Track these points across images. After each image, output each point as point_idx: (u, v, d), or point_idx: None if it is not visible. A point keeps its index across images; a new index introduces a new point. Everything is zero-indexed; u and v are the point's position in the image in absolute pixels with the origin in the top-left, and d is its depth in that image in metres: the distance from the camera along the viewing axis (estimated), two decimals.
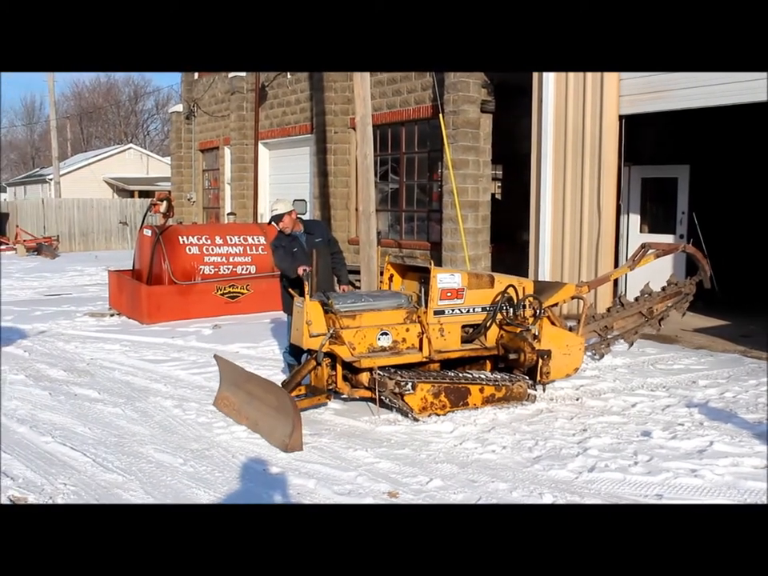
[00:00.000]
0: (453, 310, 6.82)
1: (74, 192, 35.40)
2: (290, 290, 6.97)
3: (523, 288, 7.10)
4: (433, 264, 6.91)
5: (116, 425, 6.51)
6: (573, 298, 7.83)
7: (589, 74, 10.53)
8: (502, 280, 7.08)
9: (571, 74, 10.77)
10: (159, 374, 8.32)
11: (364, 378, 6.53)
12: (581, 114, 10.75)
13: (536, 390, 7.05)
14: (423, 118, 14.65)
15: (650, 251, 7.97)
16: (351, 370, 6.57)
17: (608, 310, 8.29)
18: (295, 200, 8.42)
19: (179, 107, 24.69)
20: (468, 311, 6.91)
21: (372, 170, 11.57)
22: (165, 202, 12.74)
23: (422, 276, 7.01)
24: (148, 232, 12.70)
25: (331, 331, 6.39)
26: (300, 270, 6.88)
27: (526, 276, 10.72)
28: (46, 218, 30.75)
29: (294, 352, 7.41)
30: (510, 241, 14.14)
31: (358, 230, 14.07)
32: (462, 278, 6.88)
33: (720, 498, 4.70)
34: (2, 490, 4.91)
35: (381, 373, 6.39)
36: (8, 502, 4.73)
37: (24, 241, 27.62)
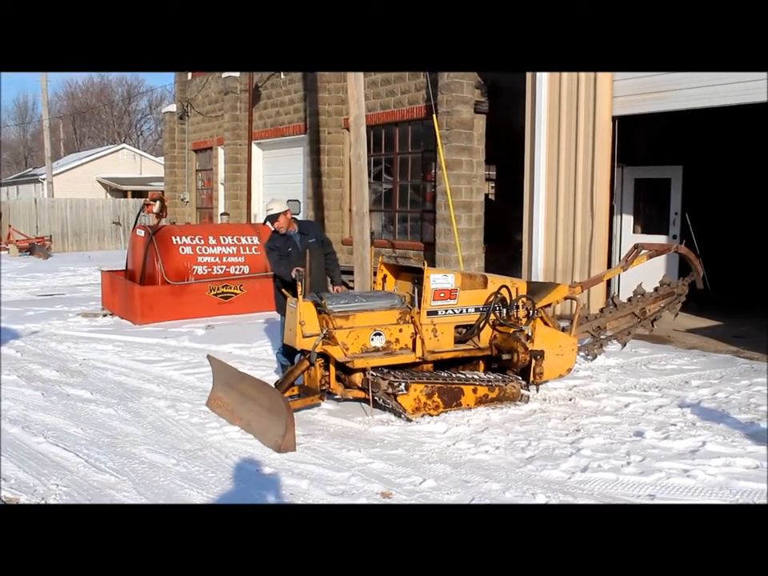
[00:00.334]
0: (446, 311, 6.83)
1: (66, 192, 35.30)
2: (283, 290, 6.97)
3: (516, 288, 7.11)
4: (426, 264, 6.92)
5: (109, 425, 6.49)
6: (566, 298, 7.85)
7: (582, 75, 10.55)
8: (495, 281, 7.09)
9: (564, 75, 10.78)
10: (152, 374, 8.31)
11: (357, 378, 6.53)
12: (574, 114, 10.77)
13: (529, 390, 7.05)
14: (417, 118, 14.65)
15: (643, 252, 8.00)
16: (344, 370, 6.57)
17: (601, 310, 8.32)
18: (289, 200, 8.41)
19: (173, 107, 24.64)
20: (461, 312, 6.92)
21: (365, 171, 11.58)
22: (158, 202, 12.73)
23: (416, 276, 7.01)
24: (141, 232, 12.67)
25: (324, 332, 6.39)
26: (293, 272, 6.88)
27: (519, 276, 10.73)
28: (39, 218, 30.66)
29: (287, 352, 7.41)
30: (503, 241, 14.15)
31: (351, 231, 14.07)
32: (456, 278, 6.89)
33: (712, 498, 4.71)
34: None
35: (374, 373, 6.39)
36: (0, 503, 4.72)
37: (16, 241, 27.52)
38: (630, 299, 8.18)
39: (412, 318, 6.70)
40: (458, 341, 6.98)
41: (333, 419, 6.60)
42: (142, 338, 10.37)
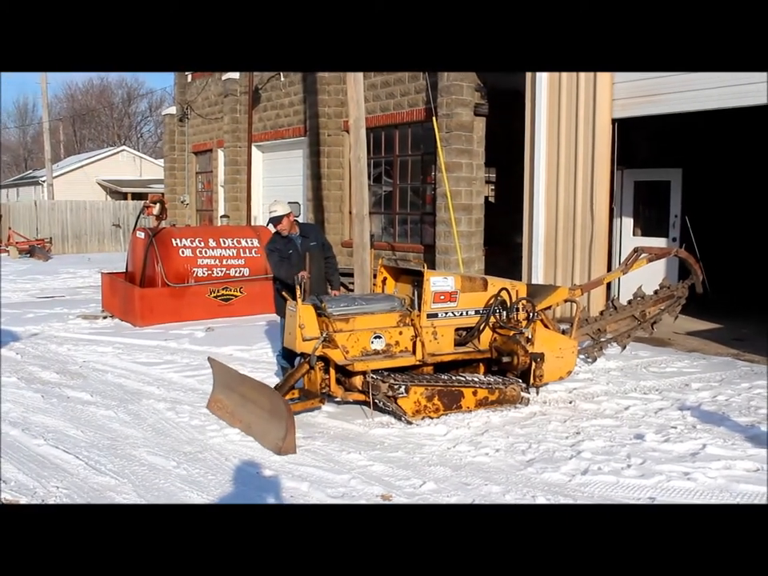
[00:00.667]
0: (446, 313, 6.83)
1: (66, 194, 35.29)
2: (283, 293, 6.97)
3: (516, 291, 7.11)
4: (426, 267, 6.92)
5: (109, 427, 6.49)
6: (566, 301, 7.86)
7: (582, 78, 10.56)
8: (495, 283, 7.09)
9: (564, 78, 10.79)
10: (152, 376, 8.31)
11: (357, 381, 6.53)
12: (574, 117, 10.78)
13: (529, 393, 7.05)
14: (417, 121, 14.65)
15: (643, 255, 8.00)
16: (344, 373, 6.56)
17: (601, 313, 8.32)
18: (288, 202, 8.42)
19: (172, 109, 24.66)
20: (461, 314, 6.92)
21: (365, 173, 11.58)
22: (158, 205, 12.74)
23: (416, 279, 7.01)
24: (141, 234, 12.67)
25: (324, 335, 6.39)
26: (299, 276, 6.86)
27: (520, 279, 10.73)
28: (39, 219, 30.67)
29: (288, 355, 7.41)
30: (503, 244, 14.15)
31: (351, 233, 14.07)
32: (455, 281, 6.89)
33: (713, 500, 4.71)
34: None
35: (374, 376, 6.39)
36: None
37: (16, 243, 27.53)
38: (629, 302, 8.18)
39: (412, 320, 6.70)
40: (458, 343, 6.97)
41: (333, 422, 6.60)
42: (142, 340, 10.37)
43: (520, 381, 6.93)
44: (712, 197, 13.09)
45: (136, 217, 16.48)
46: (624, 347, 8.26)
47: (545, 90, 11.04)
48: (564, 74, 10.76)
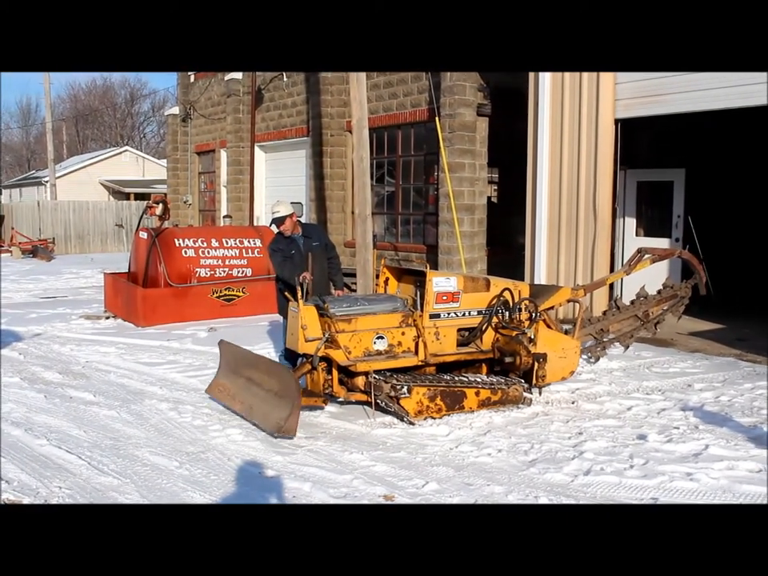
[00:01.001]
0: (448, 314, 6.83)
1: (69, 194, 35.34)
2: (285, 293, 6.97)
3: (519, 291, 7.10)
4: (428, 267, 6.91)
5: (111, 428, 6.49)
6: (569, 301, 7.85)
7: (585, 78, 10.55)
8: (498, 283, 7.08)
9: (567, 78, 10.78)
10: (155, 376, 8.31)
11: (360, 381, 6.53)
12: (576, 117, 10.77)
13: (532, 393, 7.05)
14: (419, 121, 14.64)
15: (646, 256, 7.99)
16: (347, 373, 6.57)
17: (604, 313, 8.31)
18: (291, 203, 8.42)
19: (175, 110, 24.66)
20: (464, 315, 6.91)
21: (368, 173, 11.58)
22: (161, 205, 12.76)
23: (418, 279, 7.01)
24: (144, 234, 12.68)
25: (327, 335, 6.39)
26: (300, 277, 6.86)
27: (522, 279, 10.73)
28: (42, 220, 30.70)
29: (290, 356, 7.40)
30: (506, 244, 14.15)
31: (354, 233, 14.07)
32: (458, 281, 6.89)
33: (715, 501, 4.71)
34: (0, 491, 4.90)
35: (376, 376, 6.39)
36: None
37: (19, 243, 27.57)
38: (632, 302, 8.17)
39: (414, 321, 6.70)
40: (460, 344, 6.97)
41: (335, 422, 6.60)
42: (144, 340, 10.38)
43: (522, 381, 6.93)
44: (715, 197, 13.07)
45: (139, 217, 16.49)
46: (627, 347, 8.26)
47: (548, 90, 11.04)
48: (567, 74, 10.76)
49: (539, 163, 11.26)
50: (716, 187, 13.15)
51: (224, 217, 20.39)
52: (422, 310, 6.71)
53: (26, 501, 4.84)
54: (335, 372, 6.57)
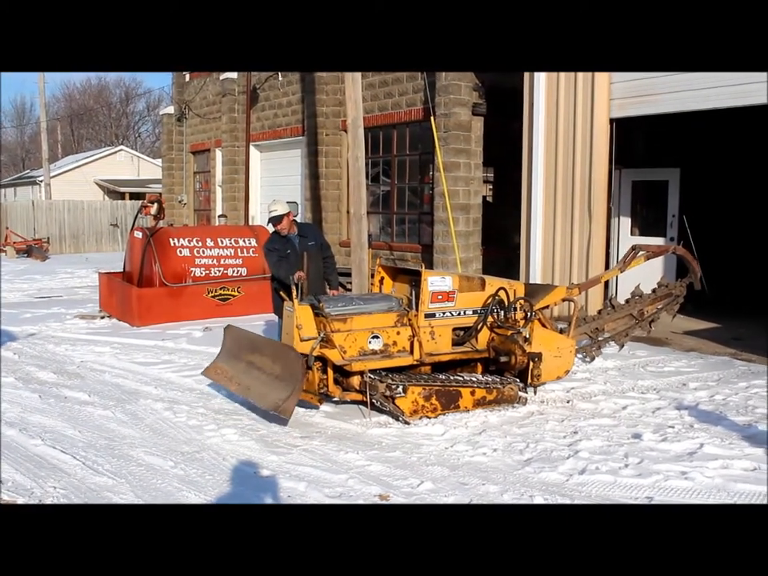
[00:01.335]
0: (444, 313, 6.83)
1: (64, 194, 35.24)
2: (280, 293, 6.97)
3: (514, 290, 7.11)
4: (424, 267, 6.91)
5: (106, 427, 6.48)
6: (564, 300, 7.86)
7: (580, 78, 10.57)
8: (493, 283, 7.09)
9: (562, 78, 10.80)
10: (150, 376, 8.30)
11: (355, 381, 6.53)
12: (572, 117, 10.79)
13: (527, 392, 7.05)
14: (414, 120, 14.64)
15: (641, 253, 8.00)
16: (342, 373, 6.57)
17: (599, 312, 8.32)
18: (287, 202, 8.41)
19: (170, 109, 24.64)
20: (459, 314, 6.92)
21: (363, 173, 11.58)
22: (156, 204, 12.73)
23: (413, 279, 7.02)
24: (139, 234, 12.67)
25: (322, 335, 6.39)
26: (295, 277, 6.86)
27: (517, 278, 10.73)
28: (36, 219, 30.64)
29: None
30: (501, 243, 14.16)
31: (349, 233, 14.07)
32: (453, 280, 6.89)
33: (710, 500, 4.71)
34: None
35: (372, 376, 6.39)
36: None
37: (14, 243, 27.51)
38: (627, 301, 8.18)
39: (410, 320, 6.70)
40: (455, 343, 6.98)
41: (331, 421, 6.60)
42: (139, 340, 10.37)
43: (518, 380, 6.93)
44: (710, 196, 13.09)
45: (134, 216, 16.47)
46: (622, 346, 8.27)
47: (543, 89, 11.05)
48: (562, 74, 10.78)
49: (534, 162, 11.27)
50: (711, 187, 13.17)
51: (219, 216, 20.36)
52: (417, 310, 6.71)
53: (21, 501, 4.83)
54: (330, 371, 6.57)
